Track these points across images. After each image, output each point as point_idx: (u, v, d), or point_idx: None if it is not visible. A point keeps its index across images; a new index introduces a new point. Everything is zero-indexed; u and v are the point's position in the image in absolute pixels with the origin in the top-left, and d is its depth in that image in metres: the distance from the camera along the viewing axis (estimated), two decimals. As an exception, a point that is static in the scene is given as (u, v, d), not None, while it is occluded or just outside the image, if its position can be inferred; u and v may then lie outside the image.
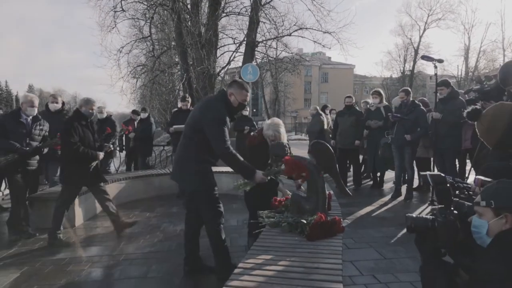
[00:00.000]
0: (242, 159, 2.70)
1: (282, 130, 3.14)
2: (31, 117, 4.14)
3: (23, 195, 4.19)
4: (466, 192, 1.90)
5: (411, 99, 5.54)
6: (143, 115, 7.70)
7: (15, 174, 4.03)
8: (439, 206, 1.63)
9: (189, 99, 6.16)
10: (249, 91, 2.90)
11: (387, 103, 6.44)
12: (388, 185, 6.70)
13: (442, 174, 1.94)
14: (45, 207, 4.37)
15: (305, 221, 2.44)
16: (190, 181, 2.79)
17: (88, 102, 3.89)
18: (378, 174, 6.60)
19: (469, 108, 2.15)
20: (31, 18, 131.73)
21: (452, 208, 1.59)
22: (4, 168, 3.88)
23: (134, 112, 8.02)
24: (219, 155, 2.73)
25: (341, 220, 2.54)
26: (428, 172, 1.92)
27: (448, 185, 1.82)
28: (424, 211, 4.99)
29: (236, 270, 1.92)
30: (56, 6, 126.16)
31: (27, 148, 4.05)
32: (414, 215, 1.58)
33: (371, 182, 6.79)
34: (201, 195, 2.79)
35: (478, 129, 2.06)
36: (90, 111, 3.91)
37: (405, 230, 4.02)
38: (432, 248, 1.52)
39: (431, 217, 1.55)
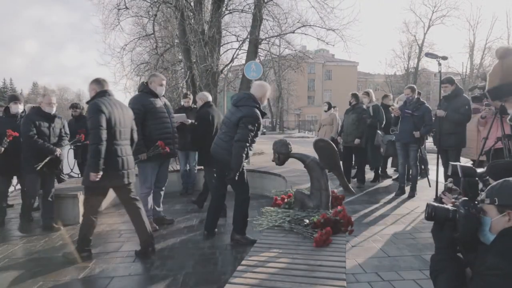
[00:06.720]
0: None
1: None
2: None
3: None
4: None
5: (416, 96, 5.55)
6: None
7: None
8: (463, 198, 1.58)
9: (191, 96, 6.15)
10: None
11: (376, 103, 6.70)
12: (387, 181, 6.85)
13: (473, 167, 1.86)
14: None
15: (307, 220, 2.45)
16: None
17: None
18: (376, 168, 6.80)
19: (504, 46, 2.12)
20: (48, 22, 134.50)
21: (476, 202, 1.53)
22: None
23: None
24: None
25: (352, 223, 2.53)
26: (458, 163, 1.83)
27: (477, 178, 1.75)
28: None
29: (239, 267, 1.93)
30: (73, 11, 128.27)
31: None
32: (435, 203, 1.56)
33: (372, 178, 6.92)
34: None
35: (495, 68, 2.01)
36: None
37: (408, 228, 4.05)
38: (448, 239, 1.50)
39: (452, 207, 1.53)
